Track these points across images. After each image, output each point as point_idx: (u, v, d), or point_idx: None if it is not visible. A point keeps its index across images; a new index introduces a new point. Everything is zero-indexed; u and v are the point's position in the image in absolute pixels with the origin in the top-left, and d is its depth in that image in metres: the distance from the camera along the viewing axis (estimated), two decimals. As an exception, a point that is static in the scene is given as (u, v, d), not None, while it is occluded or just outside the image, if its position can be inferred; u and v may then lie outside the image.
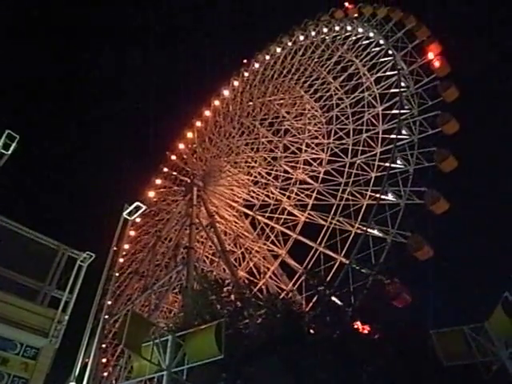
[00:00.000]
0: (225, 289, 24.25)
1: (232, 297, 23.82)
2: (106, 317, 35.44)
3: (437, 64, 37.30)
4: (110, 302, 39.92)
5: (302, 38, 52.11)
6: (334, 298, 24.30)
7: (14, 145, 18.85)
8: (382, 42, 42.97)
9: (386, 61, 41.96)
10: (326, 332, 20.42)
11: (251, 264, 45.93)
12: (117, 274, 44.22)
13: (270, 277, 44.10)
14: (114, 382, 41.77)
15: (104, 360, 44.50)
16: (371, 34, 44.49)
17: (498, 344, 13.52)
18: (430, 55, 37.74)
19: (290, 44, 53.46)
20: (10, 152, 18.58)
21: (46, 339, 13.55)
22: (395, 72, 40.24)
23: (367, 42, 44.90)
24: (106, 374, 44.88)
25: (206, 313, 21.46)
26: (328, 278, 27.84)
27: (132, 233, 53.19)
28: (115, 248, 25.89)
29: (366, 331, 21.23)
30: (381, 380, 16.95)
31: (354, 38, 46.39)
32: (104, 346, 42.32)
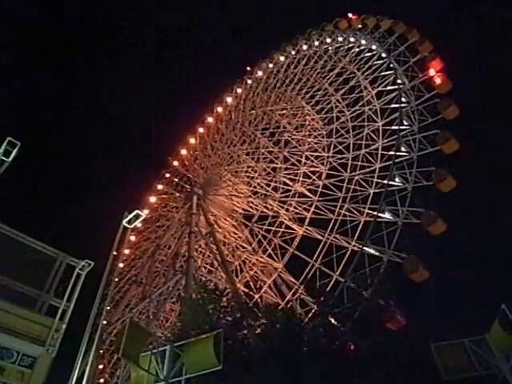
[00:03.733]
0: (224, 298, 24.23)
1: (231, 307, 23.74)
2: (105, 322, 35.70)
3: (438, 81, 36.90)
4: (108, 308, 40.18)
5: (305, 47, 51.91)
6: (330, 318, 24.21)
7: (14, 152, 18.78)
8: (384, 55, 42.63)
9: (387, 75, 41.63)
10: (325, 344, 20.33)
11: (248, 276, 45.95)
12: (116, 280, 44.49)
13: (266, 291, 44.08)
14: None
15: (101, 366, 44.96)
16: (374, 47, 44.14)
17: (499, 356, 13.38)
18: (432, 71, 37.34)
19: (293, 53, 53.33)
20: (10, 159, 18.54)
21: (42, 348, 13.48)
22: (396, 87, 39.91)
23: (370, 54, 44.57)
24: (102, 380, 45.40)
25: (204, 323, 21.38)
26: (323, 296, 27.57)
27: (132, 238, 53.46)
28: (115, 253, 26.04)
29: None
30: None
31: (356, 49, 46.09)
32: (101, 351, 42.61)
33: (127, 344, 13.63)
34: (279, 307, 26.75)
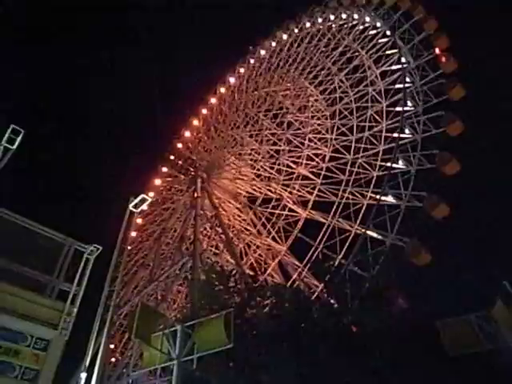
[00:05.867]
0: (232, 279, 24.60)
1: (239, 286, 24.13)
2: (118, 300, 36.62)
3: (443, 60, 35.91)
4: (117, 288, 41.06)
5: (308, 24, 50.70)
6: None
7: (19, 139, 18.93)
8: (388, 32, 41.46)
9: (391, 53, 40.58)
10: (333, 322, 20.63)
11: (252, 259, 46.49)
12: (125, 261, 45.25)
13: (271, 273, 44.65)
14: (122, 368, 43.54)
15: (112, 346, 46.42)
16: (378, 24, 42.90)
17: (504, 330, 13.64)
18: (437, 50, 36.31)
19: (296, 31, 52.13)
20: (15, 147, 18.69)
21: (55, 331, 13.76)
22: (400, 66, 38.98)
23: (374, 32, 43.32)
24: (113, 359, 46.95)
25: (213, 303, 21.74)
26: (329, 274, 27.76)
27: (139, 220, 54.11)
28: (122, 236, 26.54)
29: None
30: (388, 368, 16.94)
31: (360, 27, 44.82)
32: (112, 332, 43.85)
33: (140, 325, 14.19)
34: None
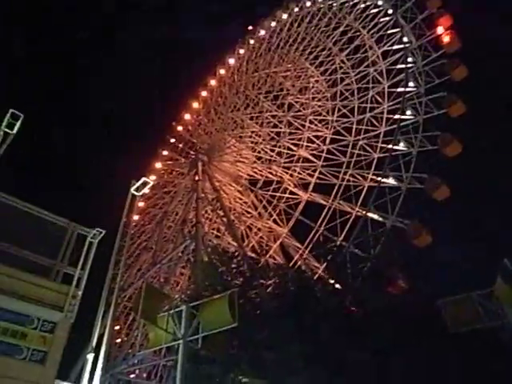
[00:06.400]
0: (234, 260, 24.83)
1: (241, 269, 24.38)
2: (122, 283, 37.05)
3: (446, 39, 35.38)
4: (121, 271, 41.55)
5: (308, 3, 49.63)
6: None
7: (18, 124, 18.87)
8: (390, 11, 40.75)
9: (393, 33, 39.97)
10: (335, 301, 20.87)
11: (254, 242, 46.78)
12: (128, 244, 45.59)
13: (272, 255, 45.00)
14: (128, 349, 44.36)
15: (117, 327, 47.20)
16: (380, 2, 42.12)
17: (506, 308, 13.91)
18: (440, 29, 35.74)
19: (296, 10, 51.11)
20: (14, 131, 18.53)
21: (61, 313, 14.06)
22: (402, 46, 38.45)
23: (376, 10, 42.58)
24: (118, 340, 47.81)
25: (217, 284, 22.00)
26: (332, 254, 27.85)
27: (141, 204, 54.24)
28: (125, 219, 26.68)
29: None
30: (389, 347, 17.20)
31: (362, 5, 43.99)
32: (117, 314, 44.48)
33: (145, 305, 14.44)
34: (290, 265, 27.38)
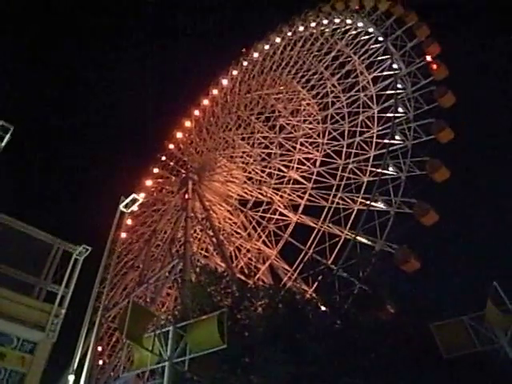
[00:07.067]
0: (223, 280, 24.47)
1: (228, 290, 24.04)
2: (106, 302, 36.12)
3: (434, 66, 36.22)
4: (107, 289, 40.72)
5: (301, 28, 50.73)
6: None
7: (7, 136, 18.62)
8: (381, 38, 41.70)
9: (384, 59, 40.83)
10: (328, 322, 20.58)
11: (242, 263, 46.41)
12: (115, 262, 44.83)
13: (261, 278, 44.55)
14: (111, 371, 43.07)
15: (99, 349, 45.99)
16: (371, 30, 43.15)
17: (497, 332, 13.78)
18: (428, 57, 36.60)
19: (289, 34, 52.13)
20: (3, 144, 18.38)
21: (42, 333, 13.72)
22: (392, 72, 39.23)
23: (366, 37, 43.58)
24: (101, 362, 46.53)
25: (205, 304, 21.43)
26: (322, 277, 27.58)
27: (129, 221, 53.67)
28: (112, 236, 26.18)
29: None
30: (384, 368, 16.85)
31: (353, 32, 45.05)
32: (100, 335, 43.37)
33: (131, 325, 13.89)
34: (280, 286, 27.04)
